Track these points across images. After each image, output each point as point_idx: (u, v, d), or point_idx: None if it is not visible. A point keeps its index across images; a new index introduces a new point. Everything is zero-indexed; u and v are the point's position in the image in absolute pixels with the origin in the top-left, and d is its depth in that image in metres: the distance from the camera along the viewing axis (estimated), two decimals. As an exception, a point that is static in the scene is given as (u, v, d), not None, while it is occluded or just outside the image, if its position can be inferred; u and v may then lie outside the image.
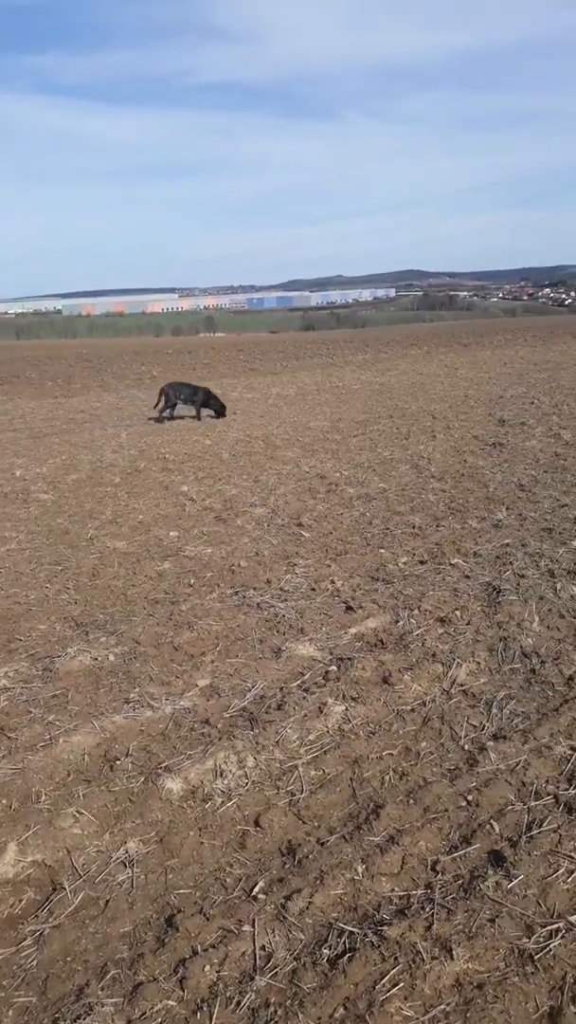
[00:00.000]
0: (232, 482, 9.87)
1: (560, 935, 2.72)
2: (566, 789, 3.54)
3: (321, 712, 4.22)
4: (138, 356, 36.33)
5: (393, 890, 3.00)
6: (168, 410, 15.37)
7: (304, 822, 3.45)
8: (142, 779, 3.74)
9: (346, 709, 4.25)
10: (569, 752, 3.83)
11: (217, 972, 2.67)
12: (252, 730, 4.06)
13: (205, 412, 15.54)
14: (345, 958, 2.67)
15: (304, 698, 4.36)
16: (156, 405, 15.56)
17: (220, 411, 15.50)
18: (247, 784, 3.70)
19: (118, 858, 3.26)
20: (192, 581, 6.34)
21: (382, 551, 6.91)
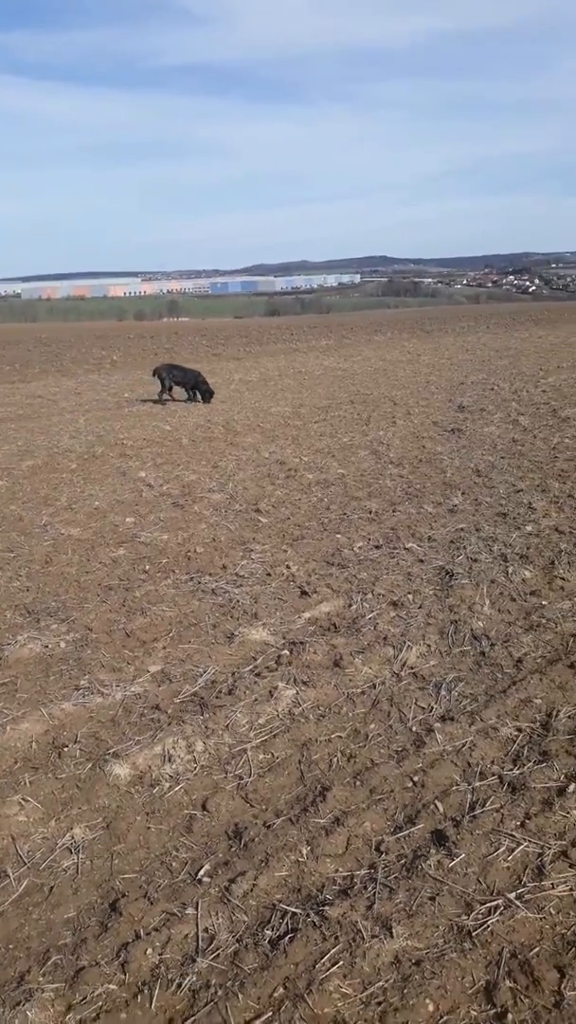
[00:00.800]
0: (191, 468, 9.82)
1: (498, 912, 2.76)
2: (510, 769, 3.59)
3: (272, 696, 4.23)
4: (99, 341, 35.89)
5: (337, 871, 3.03)
6: (166, 392, 15.46)
7: (251, 805, 3.47)
8: (89, 765, 3.72)
9: (297, 693, 4.26)
10: (515, 733, 3.89)
11: (159, 955, 2.68)
12: (202, 715, 4.06)
13: (188, 395, 15.53)
14: (287, 939, 2.70)
15: (255, 683, 4.37)
16: (161, 392, 15.55)
17: (206, 396, 15.42)
18: (195, 768, 3.70)
19: (64, 844, 3.25)
20: (147, 567, 6.31)
21: (338, 536, 6.93)
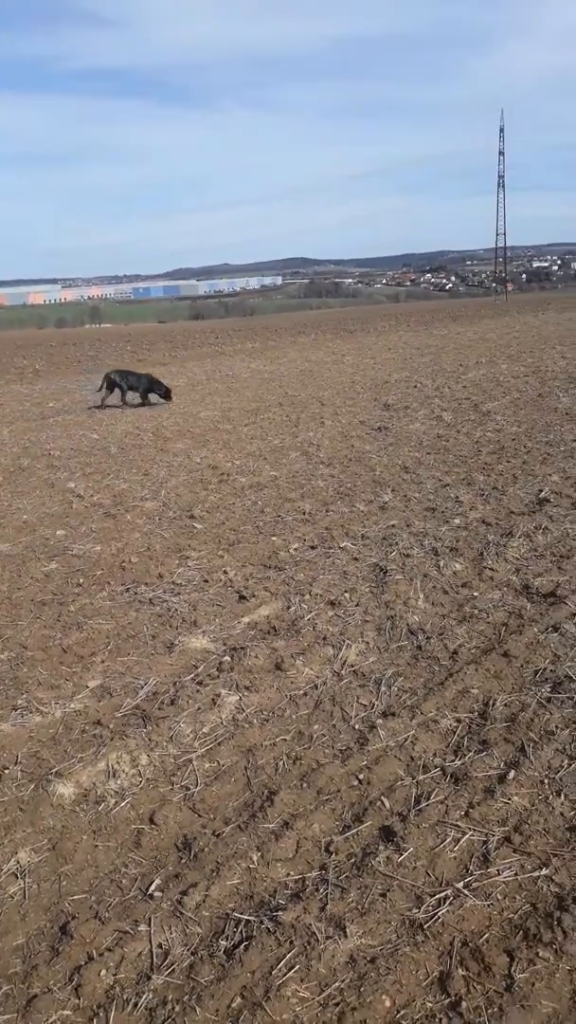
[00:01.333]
0: (121, 476, 9.70)
1: (448, 902, 2.82)
2: (452, 761, 3.67)
3: (215, 704, 4.22)
4: (20, 350, 35.12)
5: (288, 875, 3.04)
6: (110, 396, 15.63)
7: (199, 815, 3.45)
8: (32, 786, 3.64)
9: (240, 699, 4.26)
10: (454, 724, 3.97)
11: (114, 975, 2.64)
12: (145, 727, 4.02)
13: (150, 397, 15.70)
14: (242, 947, 2.69)
15: (198, 691, 4.35)
16: (99, 390, 15.81)
17: (166, 395, 15.62)
18: (141, 782, 3.66)
19: (8, 870, 3.17)
20: (81, 580, 6.20)
21: (274, 538, 6.95)
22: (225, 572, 6.15)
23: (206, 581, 6.01)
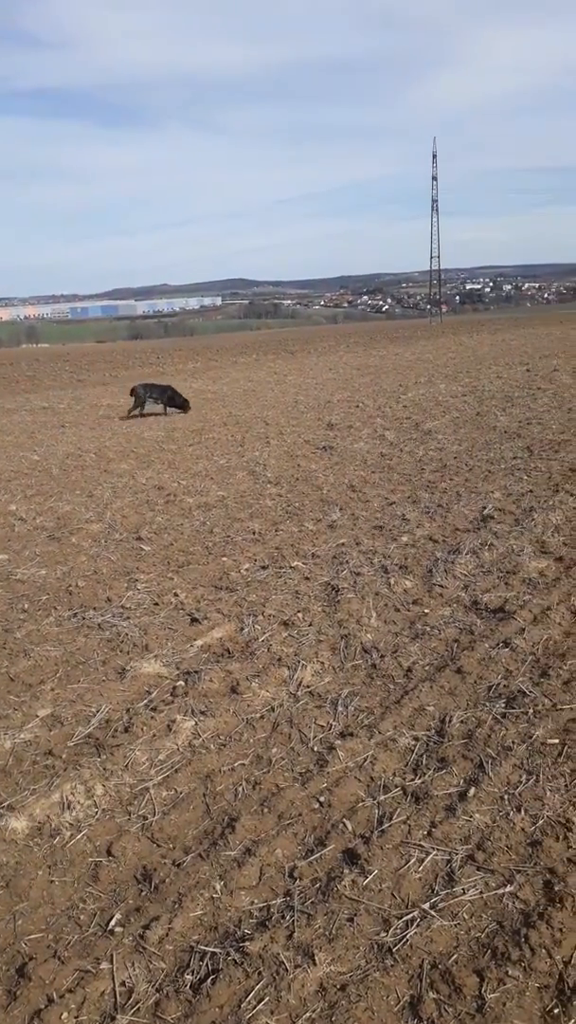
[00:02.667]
0: (64, 498, 9.52)
1: (415, 924, 2.80)
2: (412, 779, 3.66)
3: (170, 730, 4.14)
4: (-46, 370, 34.33)
5: (253, 903, 2.98)
6: (140, 408, 16.48)
7: (159, 845, 3.36)
8: (-18, 822, 3.50)
9: (195, 724, 4.19)
10: (412, 743, 3.98)
11: (75, 1018, 2.54)
12: (99, 756, 3.91)
13: (164, 408, 16.59)
14: (209, 981, 2.62)
15: (152, 717, 4.26)
16: (132, 410, 16.62)
17: (184, 406, 16.50)
18: (97, 813, 3.55)
19: (-41, 912, 3.03)
20: (26, 606, 6.04)
21: (224, 559, 6.90)
22: (176, 594, 6.07)
23: (156, 604, 5.92)
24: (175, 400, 16.54)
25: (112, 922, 2.93)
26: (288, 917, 2.87)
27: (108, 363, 35.51)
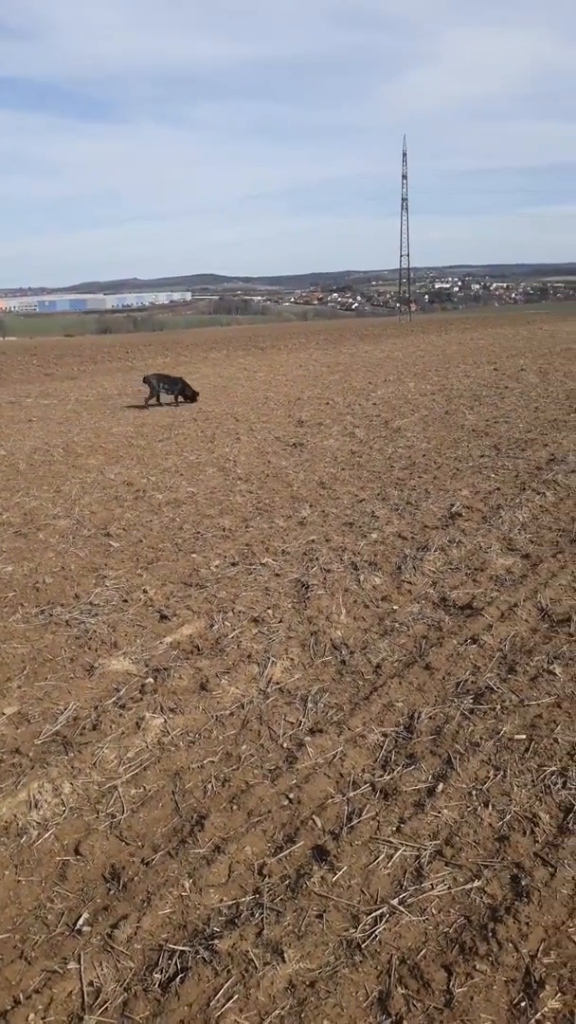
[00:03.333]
0: (31, 494, 9.40)
1: (384, 920, 2.81)
2: (381, 776, 3.68)
3: (139, 727, 4.11)
4: None
5: (222, 900, 2.98)
6: (155, 397, 16.85)
7: (127, 843, 3.34)
8: (-54, 823, 3.45)
9: (164, 721, 4.16)
10: (381, 739, 3.99)
11: (42, 1019, 2.51)
12: (67, 754, 3.87)
13: (169, 398, 17.01)
14: (178, 980, 2.61)
15: (120, 715, 4.23)
16: (148, 398, 17.00)
17: (193, 397, 17.00)
18: (64, 812, 3.52)
19: None
20: (-8, 602, 5.95)
21: (194, 556, 6.87)
22: (145, 591, 6.03)
23: (125, 601, 5.88)
24: (186, 391, 17.14)
25: (80, 921, 2.90)
26: (257, 914, 2.87)
27: (76, 357, 35.14)
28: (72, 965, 2.70)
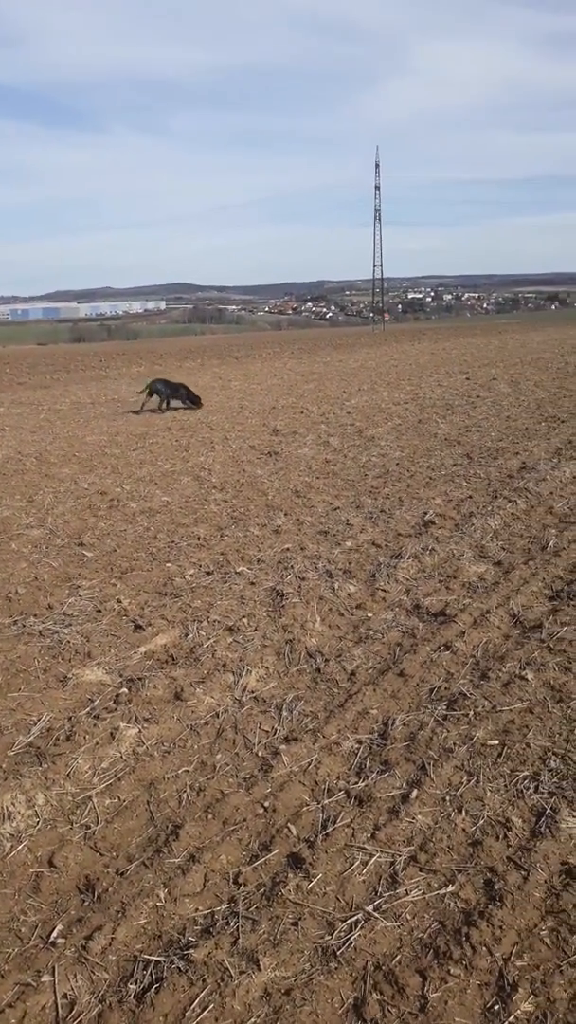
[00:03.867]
0: (3, 503, 9.32)
1: (359, 926, 2.83)
2: (356, 783, 3.70)
3: (113, 738, 4.09)
4: None
5: (197, 910, 2.97)
6: (165, 403, 17.22)
7: (101, 854, 3.32)
8: None
9: (139, 731, 4.15)
10: (356, 746, 4.01)
11: (15, 1033, 2.49)
12: (40, 765, 3.84)
13: (177, 403, 17.41)
14: (152, 990, 2.60)
15: (95, 725, 4.20)
16: (152, 403, 17.25)
17: (196, 402, 17.40)
18: (38, 823, 3.49)
19: None
20: (-36, 612, 5.90)
21: (168, 565, 6.85)
22: (119, 601, 6.00)
23: (99, 611, 5.85)
24: (190, 396, 17.49)
25: (54, 933, 2.88)
26: (233, 923, 2.87)
27: (49, 366, 34.96)
28: (46, 978, 2.68)
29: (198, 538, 7.61)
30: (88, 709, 4.41)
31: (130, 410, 17.11)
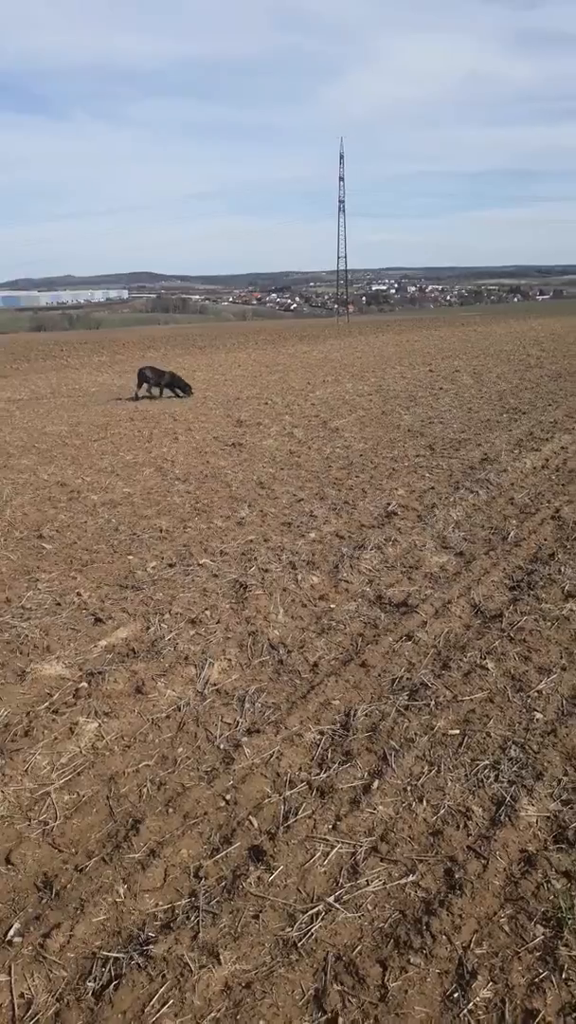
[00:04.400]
0: (-39, 495, 9.15)
1: (320, 917, 2.82)
2: (317, 774, 3.69)
3: (72, 732, 4.03)
4: None
5: (157, 905, 2.94)
6: (152, 389, 17.53)
7: (60, 850, 3.28)
8: None
9: (99, 725, 4.10)
10: (318, 737, 4.01)
11: (-30, 1035, 2.44)
12: (-3, 762, 3.77)
13: (168, 392, 17.70)
14: (111, 987, 2.57)
15: (54, 720, 4.14)
16: (139, 387, 17.65)
17: (186, 389, 17.59)
18: (-6, 821, 3.43)
19: None
20: None
21: (130, 557, 6.78)
22: (79, 594, 5.92)
23: (58, 604, 5.77)
24: (177, 383, 17.66)
25: (11, 932, 2.83)
26: (193, 917, 2.84)
27: (10, 355, 34.40)
28: (2, 977, 2.63)
29: (160, 530, 7.54)
30: (47, 704, 4.35)
31: (102, 399, 16.90)
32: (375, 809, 3.40)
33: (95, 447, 11.92)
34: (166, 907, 2.93)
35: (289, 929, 2.79)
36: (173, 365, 26.16)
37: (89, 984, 2.60)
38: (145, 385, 17.49)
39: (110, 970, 2.64)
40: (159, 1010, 2.48)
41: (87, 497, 8.89)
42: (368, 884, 2.98)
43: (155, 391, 17.62)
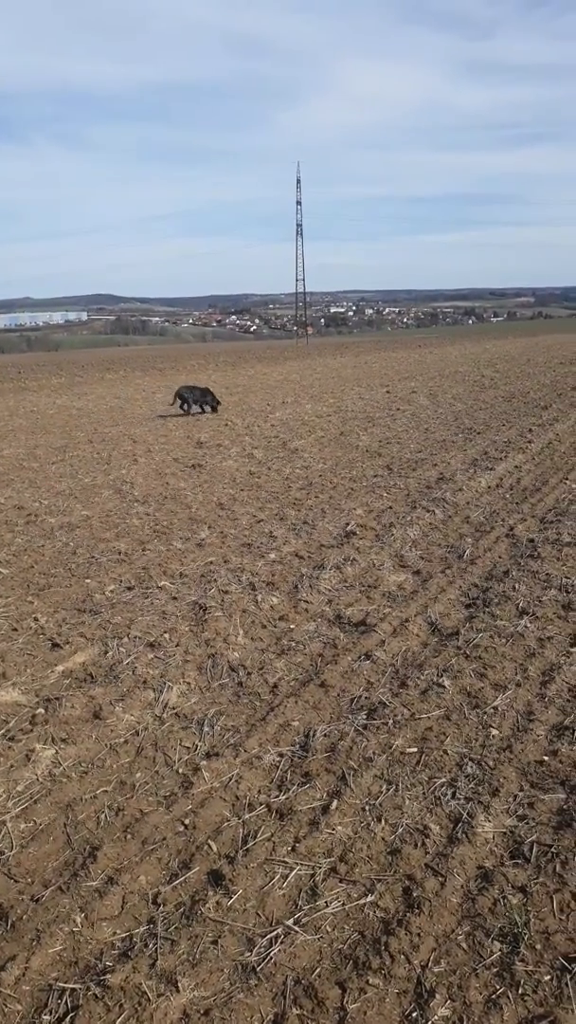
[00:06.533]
0: None
1: (279, 941, 2.81)
2: (276, 796, 3.69)
3: (29, 759, 3.98)
4: None
5: (115, 933, 2.91)
6: (185, 406, 18.08)
7: (16, 880, 3.22)
8: None
9: (56, 752, 4.05)
10: (277, 759, 4.01)
11: None
12: (-49, 792, 3.70)
13: (201, 409, 18.25)
14: (68, 1019, 2.53)
15: (9, 747, 4.08)
16: (173, 403, 18.34)
17: (215, 406, 18.14)
18: (-52, 853, 3.36)
19: None
20: None
21: (88, 581, 6.73)
22: (35, 619, 5.86)
23: (15, 629, 5.69)
24: (210, 401, 18.21)
25: (-37, 967, 2.77)
26: (151, 945, 2.82)
27: (-35, 377, 34.00)
28: (-45, 1014, 2.57)
29: (119, 553, 7.49)
30: (3, 731, 4.28)
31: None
32: (334, 830, 3.41)
33: (53, 469, 11.83)
34: (124, 935, 2.89)
35: (248, 953, 2.77)
36: (132, 387, 26.11)
37: (45, 1017, 2.55)
38: (189, 402, 18.09)
39: (67, 1002, 2.60)
40: (116, 1041, 2.44)
41: (45, 520, 8.81)
42: (327, 906, 2.98)
43: (195, 408, 18.09)
